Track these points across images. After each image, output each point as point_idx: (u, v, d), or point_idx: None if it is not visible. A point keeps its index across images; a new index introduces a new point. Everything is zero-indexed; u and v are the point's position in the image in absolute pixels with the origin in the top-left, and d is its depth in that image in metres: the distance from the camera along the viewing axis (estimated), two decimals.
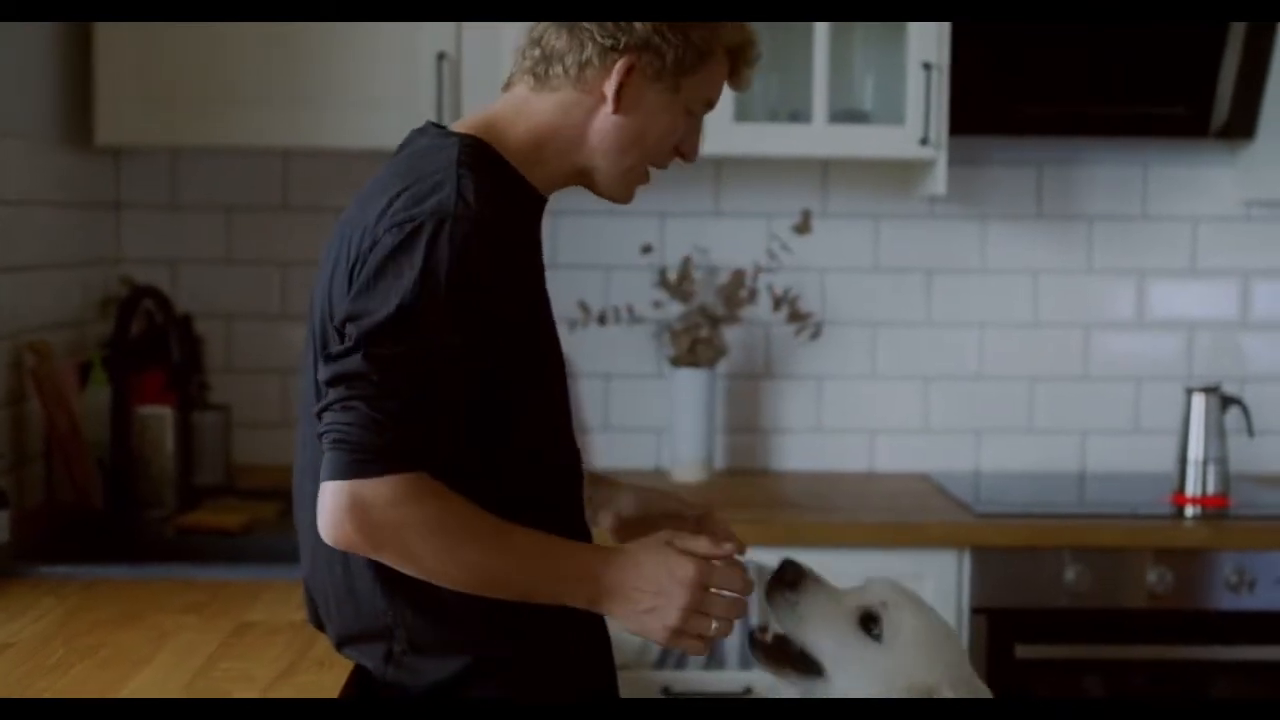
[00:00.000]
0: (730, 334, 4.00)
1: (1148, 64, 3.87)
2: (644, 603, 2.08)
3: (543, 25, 2.21)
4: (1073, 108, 3.89)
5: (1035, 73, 3.85)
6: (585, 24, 2.16)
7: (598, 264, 3.99)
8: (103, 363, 3.52)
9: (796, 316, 4.01)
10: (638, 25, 2.15)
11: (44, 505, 3.36)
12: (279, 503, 3.54)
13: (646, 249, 3.98)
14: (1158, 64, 3.87)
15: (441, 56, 3.59)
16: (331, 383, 2.00)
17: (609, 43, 2.15)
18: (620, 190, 2.28)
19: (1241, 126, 3.93)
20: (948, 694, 2.27)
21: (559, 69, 2.18)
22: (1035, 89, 3.87)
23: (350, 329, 2.02)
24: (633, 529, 2.40)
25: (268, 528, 3.41)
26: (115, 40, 3.57)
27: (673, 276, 3.96)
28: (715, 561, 2.12)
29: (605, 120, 2.19)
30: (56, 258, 3.53)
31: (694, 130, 2.28)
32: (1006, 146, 4.08)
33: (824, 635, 2.33)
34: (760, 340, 4.09)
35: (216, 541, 3.31)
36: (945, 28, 3.67)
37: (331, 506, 1.98)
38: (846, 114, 3.79)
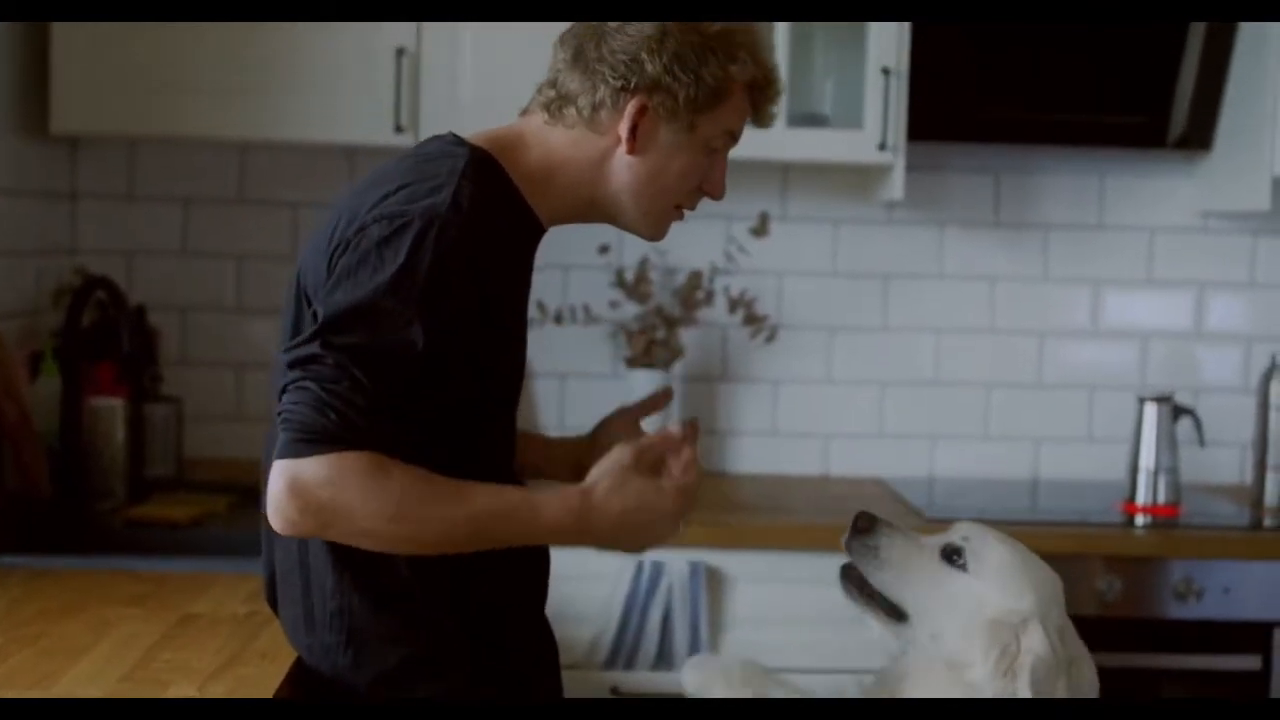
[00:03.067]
0: (686, 336, 4.00)
1: (1106, 73, 3.89)
2: (635, 538, 2.15)
3: (558, 64, 2.22)
4: (1031, 115, 3.91)
5: (994, 80, 3.86)
6: (598, 65, 2.17)
7: (555, 263, 3.98)
8: (54, 353, 3.50)
9: (753, 319, 4.01)
10: (649, 66, 2.15)
11: None
12: (229, 496, 3.53)
13: (604, 249, 3.97)
14: (1116, 73, 3.89)
15: (401, 52, 3.58)
16: (290, 365, 2.01)
17: (620, 84, 2.16)
18: (649, 229, 2.29)
19: (1199, 138, 3.95)
20: (1036, 631, 2.15)
21: (572, 110, 2.19)
22: (994, 96, 3.88)
23: (320, 314, 2.03)
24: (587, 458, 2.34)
25: (217, 521, 3.39)
26: (72, 29, 3.55)
27: (630, 277, 3.96)
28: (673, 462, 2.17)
29: (621, 161, 2.20)
30: (10, 246, 3.51)
31: (717, 166, 2.27)
32: (965, 153, 4.09)
33: (906, 573, 2.24)
34: (716, 342, 4.09)
35: (165, 534, 3.29)
36: (905, 33, 3.68)
37: (274, 489, 1.99)
38: (806, 118, 3.79)
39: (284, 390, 2.01)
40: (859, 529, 2.29)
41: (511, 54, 3.60)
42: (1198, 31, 3.82)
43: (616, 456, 2.14)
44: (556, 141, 2.21)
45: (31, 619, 2.46)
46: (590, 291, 4.00)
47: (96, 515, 3.41)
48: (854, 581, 2.29)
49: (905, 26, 3.68)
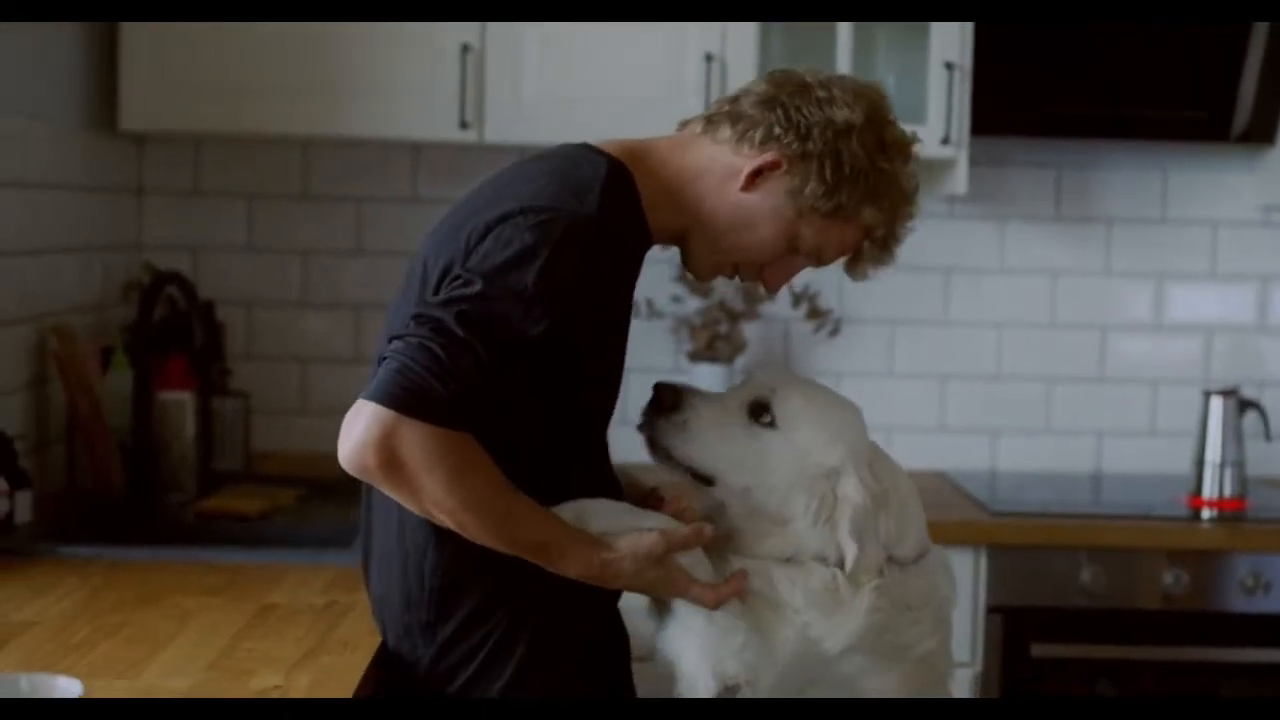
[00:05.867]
0: (749, 330, 4.01)
1: (1169, 68, 3.88)
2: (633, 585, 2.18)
3: (751, 88, 2.24)
4: (1094, 110, 3.90)
5: (1057, 74, 3.85)
6: (778, 108, 2.18)
7: None
8: (125, 347, 3.54)
9: (815, 314, 4.02)
10: (814, 140, 2.16)
11: (65, 488, 3.38)
12: (297, 489, 3.56)
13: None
14: (1179, 68, 3.88)
15: (466, 48, 3.59)
16: (417, 319, 2.03)
17: (778, 133, 2.18)
18: (704, 268, 2.30)
19: (1262, 132, 3.93)
20: (850, 479, 2.21)
21: (728, 127, 2.22)
22: (1056, 91, 3.88)
23: (456, 283, 2.05)
24: None
25: (286, 514, 3.42)
26: (140, 27, 3.58)
27: None
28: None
29: (729, 193, 2.21)
30: (79, 242, 3.54)
31: (789, 268, 2.29)
32: (1027, 147, 4.08)
33: (715, 442, 2.26)
34: (779, 336, 4.10)
35: (235, 526, 3.32)
36: (968, 28, 3.68)
37: (364, 429, 1.98)
38: None
39: (401, 337, 2.02)
40: (665, 405, 2.29)
41: (576, 50, 3.63)
42: (1261, 26, 3.80)
43: (650, 543, 2.15)
44: (693, 156, 2.23)
45: (113, 609, 2.49)
46: (653, 286, 4.00)
47: (168, 508, 3.45)
48: (662, 451, 2.30)
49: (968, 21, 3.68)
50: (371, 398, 1.99)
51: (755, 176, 2.19)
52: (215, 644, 2.30)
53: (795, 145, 2.18)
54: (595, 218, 2.07)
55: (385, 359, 2.02)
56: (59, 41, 3.43)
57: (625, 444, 2.44)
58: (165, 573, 2.75)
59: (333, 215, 4.03)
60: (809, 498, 2.22)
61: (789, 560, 2.24)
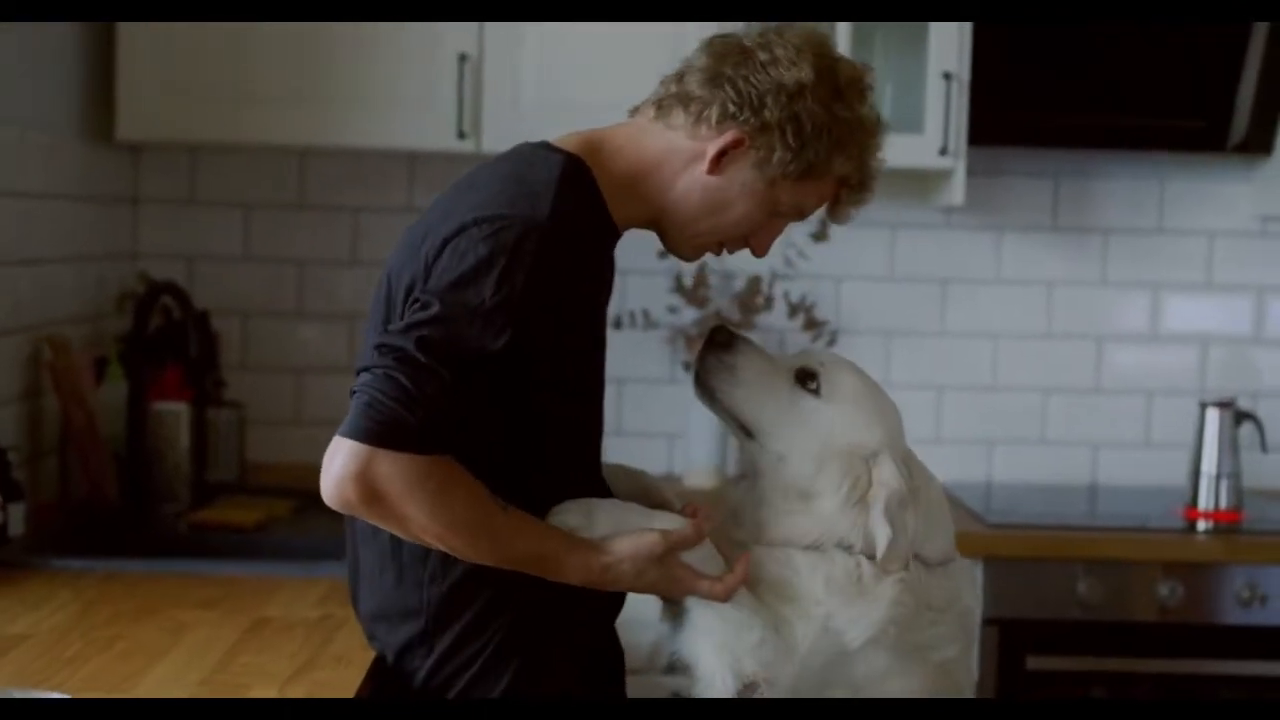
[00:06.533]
0: None
1: (1166, 78, 3.88)
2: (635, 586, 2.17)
3: (694, 64, 2.22)
4: (1091, 120, 3.90)
5: (1054, 84, 3.85)
6: (726, 84, 2.17)
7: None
8: (119, 358, 3.53)
9: (812, 324, 4.02)
10: (768, 112, 2.15)
11: (59, 499, 3.37)
12: (292, 500, 3.55)
13: (663, 254, 3.96)
14: (1176, 78, 3.88)
15: (463, 57, 3.59)
16: (380, 349, 2.03)
17: (734, 110, 2.16)
18: (685, 250, 2.30)
19: (1259, 142, 3.93)
20: (885, 464, 2.21)
21: (681, 112, 2.20)
22: (1054, 101, 3.87)
23: (415, 307, 2.05)
24: None
25: (281, 525, 3.42)
26: (137, 37, 3.58)
27: (688, 282, 3.96)
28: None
29: (696, 177, 2.20)
30: (74, 252, 3.53)
31: (773, 230, 2.28)
32: (1024, 157, 4.08)
33: (759, 393, 2.28)
34: (775, 346, 4.08)
35: (230, 538, 3.31)
36: (966, 38, 3.68)
37: (342, 465, 1.99)
38: None
39: (368, 369, 2.02)
40: (717, 343, 2.31)
41: (574, 59, 3.62)
42: (1259, 36, 3.80)
43: (650, 544, 2.15)
44: (651, 143, 2.22)
45: (107, 622, 2.48)
46: (649, 296, 4.00)
47: (161, 519, 3.44)
48: (708, 392, 2.31)
49: (966, 31, 3.68)
50: (345, 433, 2.00)
51: (720, 158, 2.18)
52: (209, 658, 2.29)
53: (752, 119, 2.16)
54: (549, 223, 2.06)
55: (355, 393, 2.02)
56: (55, 50, 3.43)
57: (621, 455, 2.45)
58: (159, 585, 2.75)
59: (329, 225, 4.02)
60: (842, 475, 2.22)
61: (810, 547, 2.23)
